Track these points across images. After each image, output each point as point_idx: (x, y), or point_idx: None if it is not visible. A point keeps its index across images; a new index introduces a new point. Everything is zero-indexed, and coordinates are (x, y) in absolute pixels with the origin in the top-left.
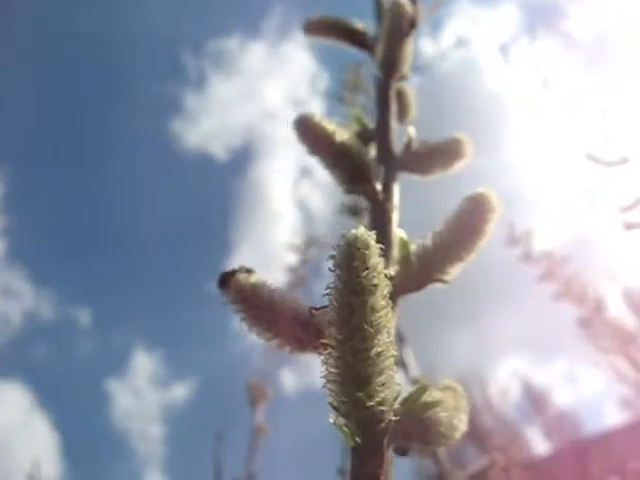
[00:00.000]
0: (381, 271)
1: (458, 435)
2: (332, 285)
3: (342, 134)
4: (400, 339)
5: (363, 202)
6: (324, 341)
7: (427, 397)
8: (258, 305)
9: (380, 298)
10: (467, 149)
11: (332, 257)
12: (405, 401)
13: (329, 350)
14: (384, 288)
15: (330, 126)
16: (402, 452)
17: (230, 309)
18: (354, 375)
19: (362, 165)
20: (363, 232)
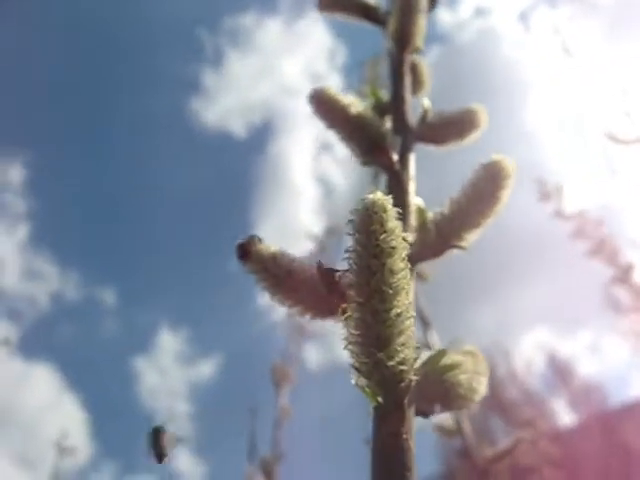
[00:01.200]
0: (399, 234)
1: (478, 398)
2: (351, 249)
3: (357, 106)
4: (424, 323)
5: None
6: (344, 305)
7: (447, 360)
8: (279, 274)
9: (398, 260)
10: (482, 119)
11: (350, 222)
12: (425, 364)
13: (349, 312)
14: (402, 251)
15: (345, 99)
16: (424, 414)
17: (251, 279)
18: (374, 336)
19: (378, 136)
20: (380, 197)
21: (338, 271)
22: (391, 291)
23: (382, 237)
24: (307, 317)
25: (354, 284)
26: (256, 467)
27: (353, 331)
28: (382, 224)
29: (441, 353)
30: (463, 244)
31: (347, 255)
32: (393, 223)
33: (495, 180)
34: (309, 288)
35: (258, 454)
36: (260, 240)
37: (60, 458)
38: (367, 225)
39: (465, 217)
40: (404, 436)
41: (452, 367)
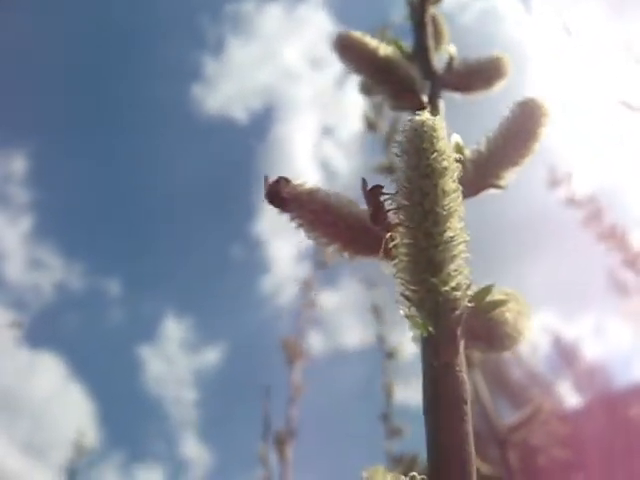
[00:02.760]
0: (450, 154)
1: (522, 339)
2: (399, 171)
3: (385, 49)
4: None
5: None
6: (388, 236)
7: (492, 297)
8: (316, 209)
9: (450, 181)
10: (507, 68)
11: (398, 143)
12: (471, 299)
13: (399, 238)
14: (454, 171)
15: (372, 42)
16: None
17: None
18: (427, 260)
19: (407, 78)
20: (429, 117)
21: (384, 191)
22: (444, 212)
23: (433, 157)
24: (345, 254)
25: (404, 207)
26: (268, 445)
27: (404, 257)
28: (433, 143)
29: (486, 290)
30: (501, 183)
31: (395, 178)
32: (444, 142)
33: (533, 117)
34: (348, 223)
35: (272, 432)
36: (288, 180)
37: (78, 456)
38: (417, 145)
39: (503, 155)
40: (457, 367)
41: (498, 304)
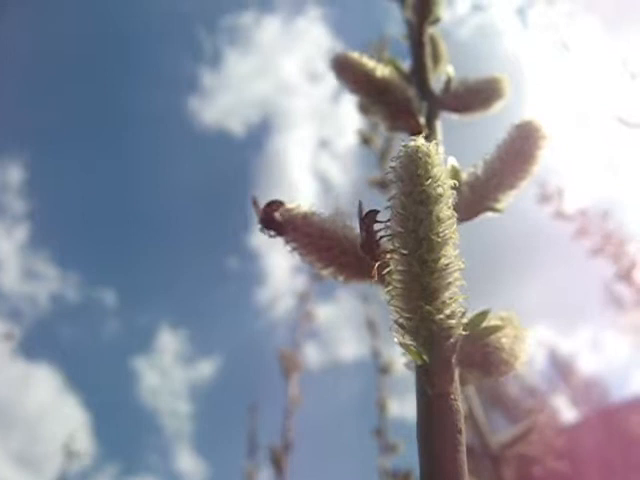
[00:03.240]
0: (445, 181)
1: (519, 364)
2: (394, 198)
3: (382, 70)
4: None
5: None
6: (381, 262)
7: (488, 323)
8: (311, 233)
9: (445, 208)
10: (506, 88)
11: (393, 169)
12: (466, 326)
13: (392, 266)
14: (449, 198)
15: (369, 63)
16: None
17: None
18: (422, 288)
19: (404, 100)
20: (424, 142)
21: (379, 217)
22: (439, 240)
23: (428, 183)
24: (340, 279)
25: (398, 234)
26: (256, 464)
27: (398, 284)
28: (427, 170)
29: (482, 315)
30: (499, 206)
31: (389, 205)
32: (439, 169)
33: (531, 139)
34: (343, 248)
35: (258, 451)
36: (282, 202)
37: (68, 461)
38: (411, 171)
39: (500, 178)
40: (452, 397)
41: (494, 330)
